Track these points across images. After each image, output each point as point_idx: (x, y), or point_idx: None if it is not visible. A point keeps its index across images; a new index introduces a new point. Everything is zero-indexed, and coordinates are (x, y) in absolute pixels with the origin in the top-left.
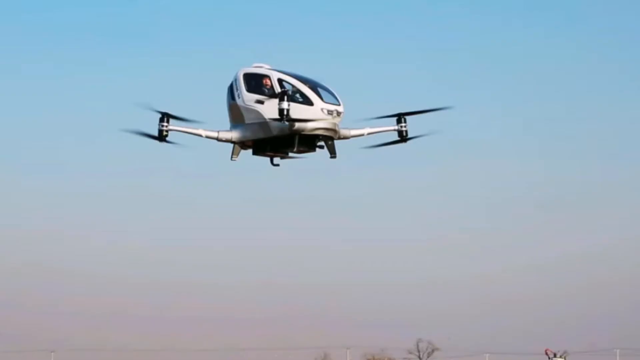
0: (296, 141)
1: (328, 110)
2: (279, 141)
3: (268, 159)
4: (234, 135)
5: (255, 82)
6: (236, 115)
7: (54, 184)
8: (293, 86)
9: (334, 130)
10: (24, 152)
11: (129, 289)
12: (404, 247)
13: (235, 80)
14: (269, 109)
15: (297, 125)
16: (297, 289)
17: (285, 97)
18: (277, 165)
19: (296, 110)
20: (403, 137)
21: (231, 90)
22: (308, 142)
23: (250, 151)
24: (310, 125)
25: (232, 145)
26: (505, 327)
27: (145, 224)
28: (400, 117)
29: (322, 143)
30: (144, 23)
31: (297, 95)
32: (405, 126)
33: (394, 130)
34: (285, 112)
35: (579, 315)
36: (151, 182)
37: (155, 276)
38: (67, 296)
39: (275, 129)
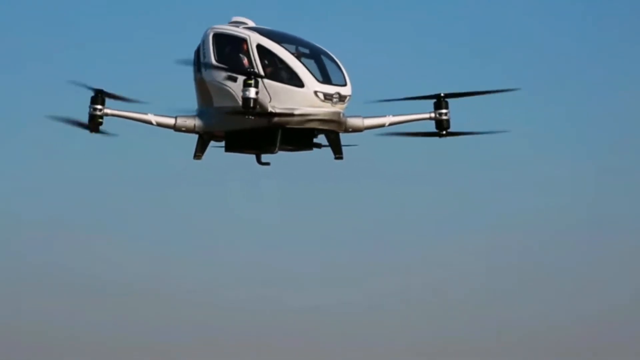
0: (278, 138)
1: (325, 95)
2: (257, 136)
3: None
4: (198, 123)
5: (229, 48)
6: (204, 94)
7: None
8: (276, 56)
9: (337, 122)
10: None
11: None
12: None
13: (203, 43)
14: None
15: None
16: None
17: (254, 80)
18: (267, 164)
19: (278, 94)
20: (441, 130)
21: (197, 58)
22: (299, 137)
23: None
24: (297, 116)
25: (195, 137)
26: None
27: None
28: (440, 100)
29: (322, 139)
30: None
31: (282, 70)
32: (446, 114)
33: (430, 118)
34: (251, 104)
35: None
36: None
37: None
38: None
39: (251, 118)
